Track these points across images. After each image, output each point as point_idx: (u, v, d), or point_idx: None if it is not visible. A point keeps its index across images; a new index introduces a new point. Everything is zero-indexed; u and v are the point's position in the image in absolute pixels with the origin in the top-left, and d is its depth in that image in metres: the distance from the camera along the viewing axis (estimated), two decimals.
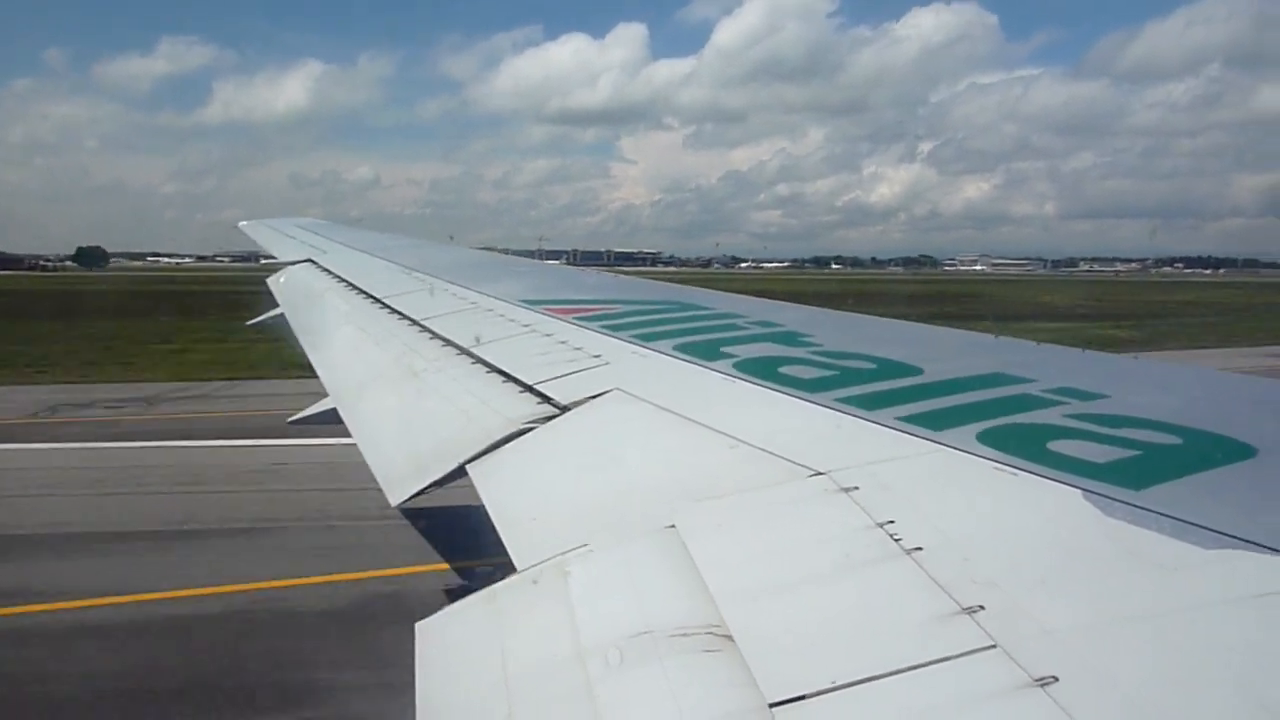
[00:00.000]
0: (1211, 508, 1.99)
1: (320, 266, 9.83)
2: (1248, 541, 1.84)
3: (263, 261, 12.65)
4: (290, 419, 6.89)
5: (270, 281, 10.17)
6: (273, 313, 9.16)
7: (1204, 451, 2.42)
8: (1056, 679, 1.53)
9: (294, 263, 10.59)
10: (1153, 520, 1.97)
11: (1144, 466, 2.30)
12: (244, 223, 15.87)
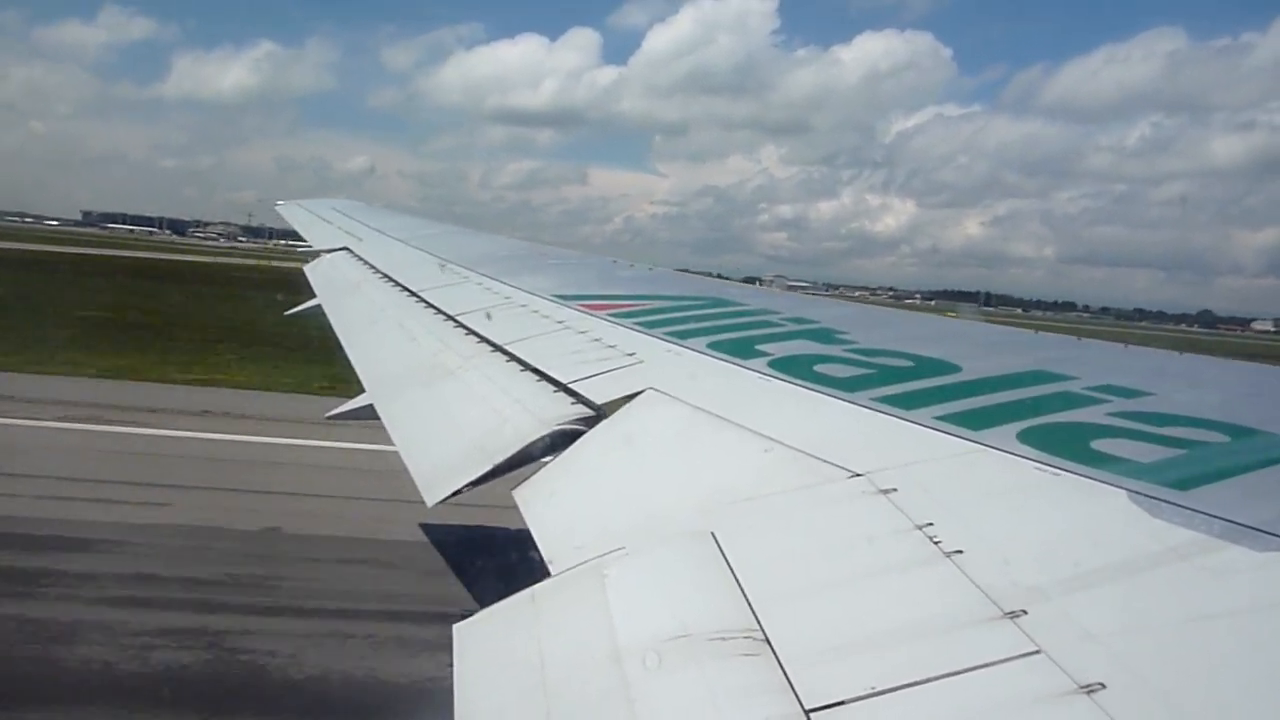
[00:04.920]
0: (1262, 509, 1.94)
1: (356, 255, 9.88)
2: None
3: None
4: (328, 414, 6.95)
5: (308, 270, 10.15)
6: (310, 303, 9.19)
7: (1254, 450, 2.36)
8: (1103, 685, 1.50)
9: (331, 250, 10.63)
10: (1201, 522, 1.92)
11: (1191, 466, 2.25)
12: (280, 204, 15.84)
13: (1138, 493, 2.08)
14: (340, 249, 10.51)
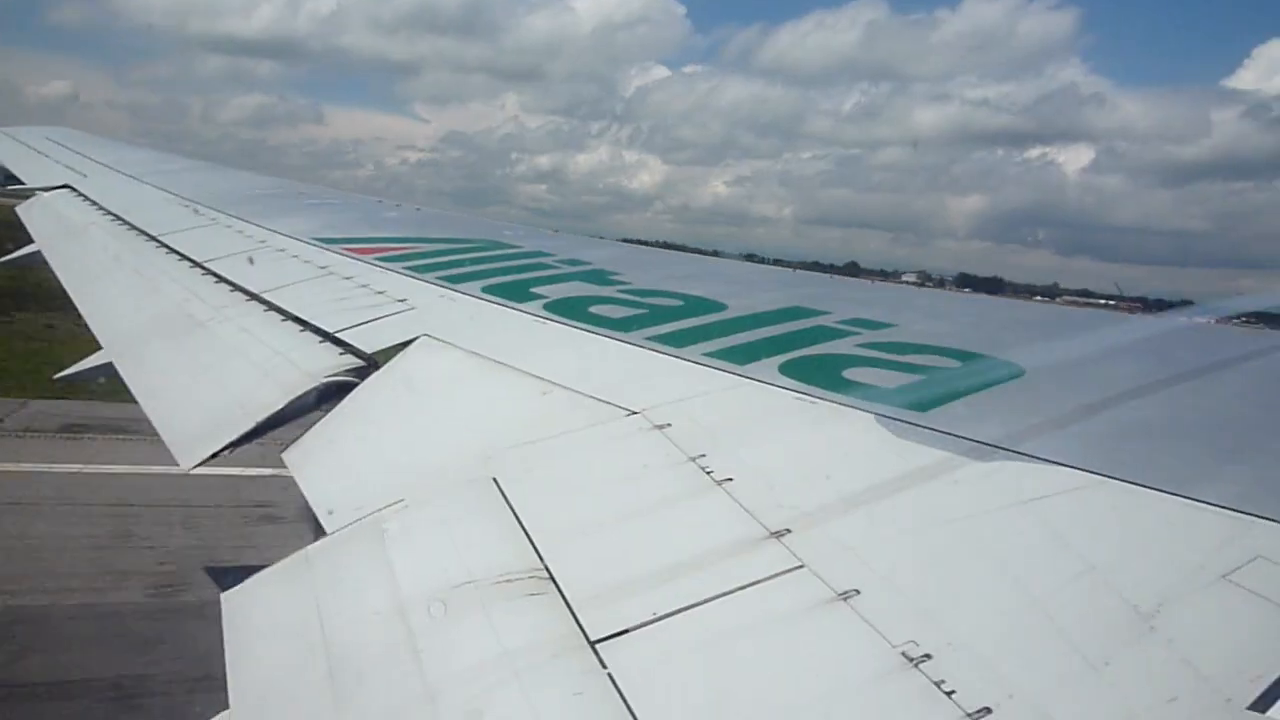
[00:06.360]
0: (988, 426, 2.20)
1: (81, 194, 8.80)
2: (1018, 453, 2.05)
3: None
4: (56, 375, 6.21)
5: (21, 211, 8.94)
6: (28, 249, 8.10)
7: (980, 373, 2.66)
8: (858, 591, 1.66)
9: (49, 189, 9.40)
10: (937, 439, 2.16)
11: (928, 390, 2.50)
12: None
13: (884, 415, 2.30)
14: (61, 187, 9.32)
